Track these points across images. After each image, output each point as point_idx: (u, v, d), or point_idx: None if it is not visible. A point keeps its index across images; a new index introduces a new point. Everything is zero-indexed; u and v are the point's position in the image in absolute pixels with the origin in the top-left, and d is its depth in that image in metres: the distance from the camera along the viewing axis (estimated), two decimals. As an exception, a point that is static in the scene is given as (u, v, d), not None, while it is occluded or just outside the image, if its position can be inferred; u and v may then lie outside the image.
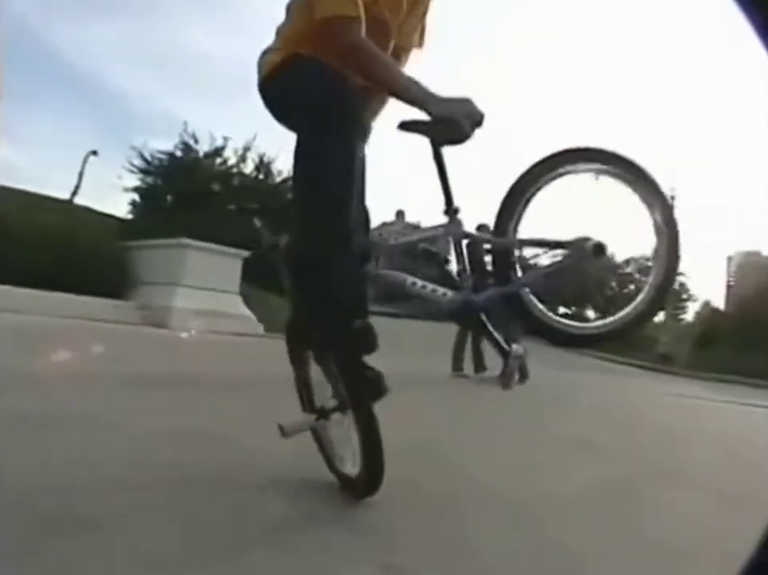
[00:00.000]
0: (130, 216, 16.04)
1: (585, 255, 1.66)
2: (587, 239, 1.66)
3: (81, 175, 17.63)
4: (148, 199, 15.65)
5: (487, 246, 1.84)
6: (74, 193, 16.91)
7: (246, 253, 10.22)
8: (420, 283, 1.74)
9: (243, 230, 12.53)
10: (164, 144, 17.01)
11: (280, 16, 1.88)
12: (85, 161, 18.00)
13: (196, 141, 15.99)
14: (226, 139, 16.25)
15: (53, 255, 8.66)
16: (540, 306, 1.76)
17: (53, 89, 55.50)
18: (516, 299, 1.74)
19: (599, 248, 1.65)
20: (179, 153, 15.90)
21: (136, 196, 16.15)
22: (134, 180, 15.78)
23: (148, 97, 67.56)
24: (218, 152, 16.27)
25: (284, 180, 15.98)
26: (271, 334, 10.55)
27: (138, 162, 15.55)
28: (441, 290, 1.73)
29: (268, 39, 1.88)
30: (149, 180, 15.69)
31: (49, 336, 5.67)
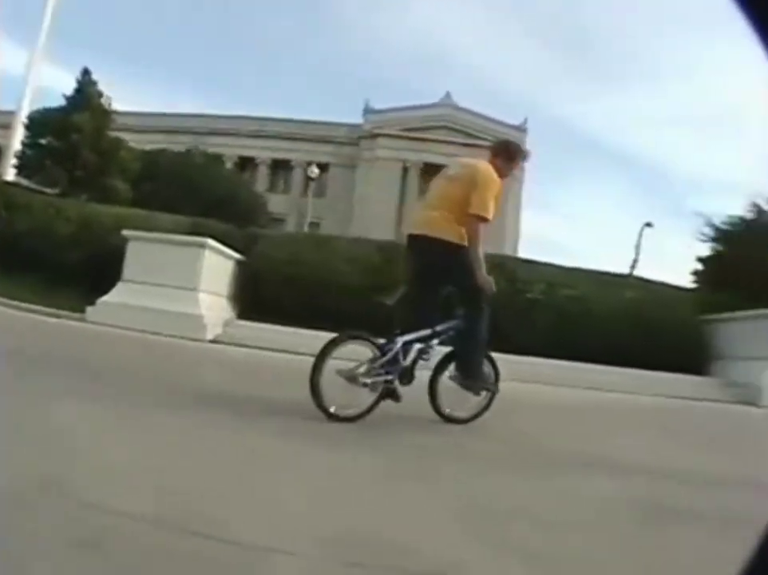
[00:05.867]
0: (697, 286, 15.48)
1: None
2: None
3: (637, 248, 17.87)
4: (714, 268, 14.84)
5: None
6: (633, 266, 16.84)
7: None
8: None
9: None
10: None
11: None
12: (640, 234, 18.34)
13: (769, 202, 14.47)
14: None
15: (630, 331, 9.02)
16: None
17: (587, 164, 60.75)
18: None
19: None
20: (750, 216, 14.70)
21: (698, 266, 15.53)
22: (704, 249, 15.25)
23: (677, 159, 65.74)
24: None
25: None
26: None
27: (707, 230, 15.04)
28: None
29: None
30: (719, 247, 14.95)
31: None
